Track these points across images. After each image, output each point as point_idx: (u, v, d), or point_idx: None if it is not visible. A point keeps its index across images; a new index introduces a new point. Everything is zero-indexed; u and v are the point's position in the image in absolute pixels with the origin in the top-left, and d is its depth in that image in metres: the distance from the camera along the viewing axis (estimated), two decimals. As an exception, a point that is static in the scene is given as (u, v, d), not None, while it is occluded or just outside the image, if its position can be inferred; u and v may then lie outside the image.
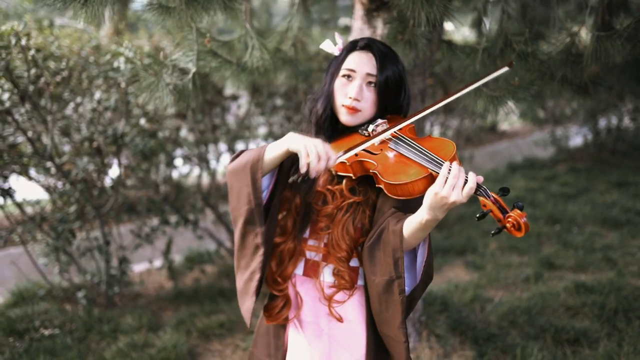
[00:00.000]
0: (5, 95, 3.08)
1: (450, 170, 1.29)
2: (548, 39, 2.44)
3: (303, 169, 1.37)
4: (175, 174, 4.42)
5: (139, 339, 3.14)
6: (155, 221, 4.24)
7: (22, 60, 3.14)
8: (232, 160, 1.57)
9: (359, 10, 2.53)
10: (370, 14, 2.47)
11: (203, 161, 4.43)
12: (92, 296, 3.64)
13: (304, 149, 1.37)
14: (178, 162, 4.29)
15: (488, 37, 2.16)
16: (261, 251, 1.51)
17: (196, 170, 4.57)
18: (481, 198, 1.27)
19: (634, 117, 8.22)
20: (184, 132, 4.44)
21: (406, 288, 1.45)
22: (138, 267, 4.44)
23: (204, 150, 4.44)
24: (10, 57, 3.06)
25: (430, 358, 2.78)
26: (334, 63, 1.63)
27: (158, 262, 4.38)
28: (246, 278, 1.56)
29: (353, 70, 1.56)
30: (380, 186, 1.44)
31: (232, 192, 1.53)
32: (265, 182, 1.54)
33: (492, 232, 1.28)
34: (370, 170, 1.47)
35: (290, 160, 1.57)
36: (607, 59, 1.99)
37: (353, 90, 1.54)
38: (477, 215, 1.27)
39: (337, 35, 1.69)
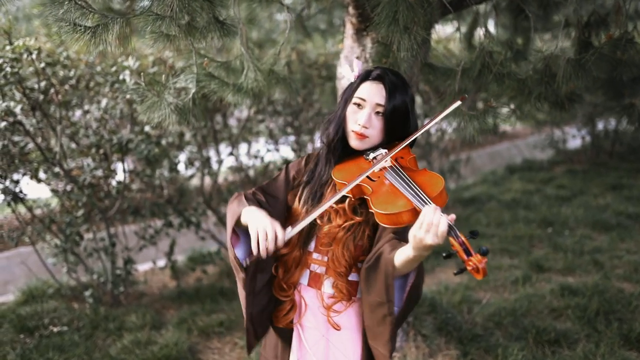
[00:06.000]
0: (18, 108, 3.25)
1: (427, 214, 1.38)
2: (529, 57, 2.58)
3: (254, 251, 1.55)
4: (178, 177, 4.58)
5: (142, 337, 3.31)
6: (159, 223, 4.41)
7: (32, 73, 3.31)
8: (232, 200, 1.78)
9: (349, 29, 2.67)
10: (359, 33, 2.62)
11: (205, 165, 4.59)
12: (98, 295, 3.82)
13: (254, 233, 1.55)
14: (181, 166, 4.43)
15: (467, 58, 2.30)
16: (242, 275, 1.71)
17: (198, 174, 4.73)
18: (451, 239, 1.37)
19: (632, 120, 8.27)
20: (187, 135, 4.59)
21: (395, 309, 1.58)
22: (142, 267, 4.61)
23: (206, 155, 4.60)
24: (22, 69, 3.23)
25: (417, 357, 2.94)
26: (349, 90, 1.77)
27: (162, 263, 4.55)
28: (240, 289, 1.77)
29: (364, 100, 1.70)
30: (372, 211, 1.55)
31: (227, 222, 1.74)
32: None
33: (455, 272, 1.39)
34: (365, 195, 1.60)
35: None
36: (577, 81, 2.14)
37: (362, 118, 1.68)
38: (444, 255, 1.38)
39: (355, 62, 1.83)
